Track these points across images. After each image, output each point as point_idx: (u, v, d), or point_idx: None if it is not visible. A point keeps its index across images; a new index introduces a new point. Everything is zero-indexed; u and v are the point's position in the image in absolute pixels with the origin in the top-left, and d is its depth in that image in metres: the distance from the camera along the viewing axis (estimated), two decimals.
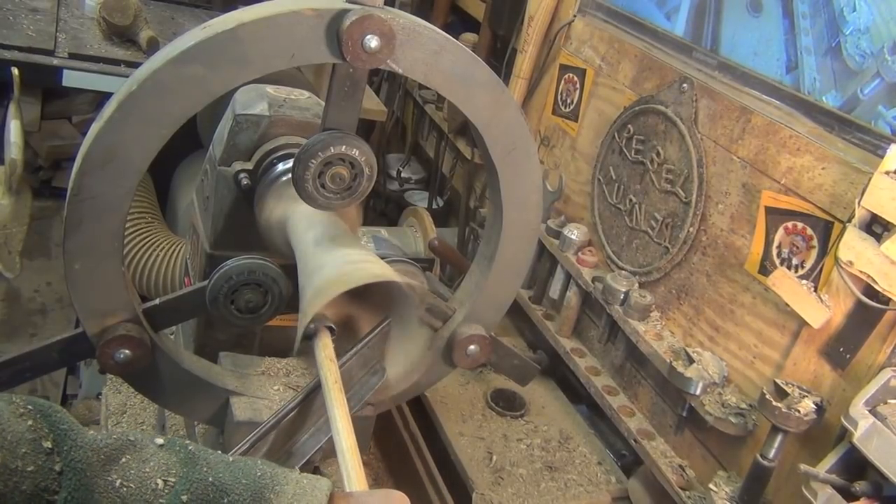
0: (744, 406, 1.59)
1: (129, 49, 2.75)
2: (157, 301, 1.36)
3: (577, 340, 2.09)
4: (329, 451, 1.24)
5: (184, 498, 0.76)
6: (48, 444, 0.75)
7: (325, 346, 1.14)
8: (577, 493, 1.82)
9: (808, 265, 1.50)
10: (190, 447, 0.83)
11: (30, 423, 0.75)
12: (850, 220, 1.34)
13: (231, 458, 0.83)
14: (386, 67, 1.21)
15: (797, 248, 1.52)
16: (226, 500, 0.77)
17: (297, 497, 0.80)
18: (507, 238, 1.45)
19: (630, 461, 1.94)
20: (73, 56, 2.60)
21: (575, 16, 2.25)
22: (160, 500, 0.76)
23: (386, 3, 1.20)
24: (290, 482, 0.82)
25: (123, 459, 0.77)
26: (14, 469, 0.71)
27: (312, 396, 1.23)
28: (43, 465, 0.73)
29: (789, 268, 1.52)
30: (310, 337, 1.16)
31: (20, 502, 0.71)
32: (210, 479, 0.78)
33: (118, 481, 0.76)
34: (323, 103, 1.38)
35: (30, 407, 0.77)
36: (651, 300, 1.83)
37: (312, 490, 0.82)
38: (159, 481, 0.77)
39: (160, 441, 0.82)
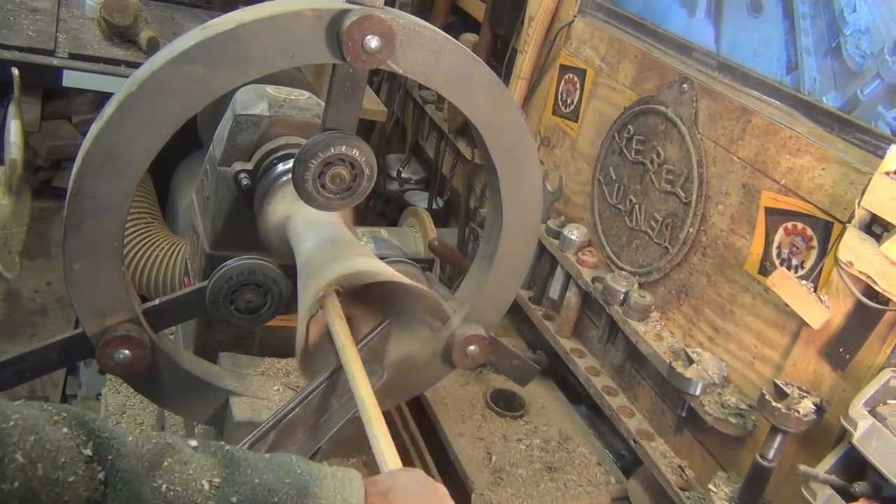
0: (743, 406, 1.59)
1: (129, 49, 2.75)
2: (156, 301, 1.36)
3: (576, 341, 2.09)
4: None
5: (233, 499, 0.77)
6: (88, 452, 0.74)
7: (333, 307, 1.15)
8: (577, 493, 1.82)
9: (807, 266, 1.50)
10: (225, 447, 0.83)
11: (65, 430, 0.74)
12: (849, 221, 1.34)
13: (268, 456, 0.84)
14: (386, 68, 1.21)
15: (797, 248, 1.52)
16: (276, 499, 0.78)
17: (338, 489, 0.82)
18: (507, 238, 1.45)
19: (629, 462, 1.94)
20: (73, 56, 2.60)
21: (575, 16, 2.25)
22: (209, 503, 0.76)
23: (386, 4, 1.20)
24: (327, 476, 0.84)
25: (165, 463, 0.77)
26: (55, 480, 0.70)
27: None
28: (84, 475, 0.72)
29: (789, 268, 1.52)
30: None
31: None
32: (256, 480, 0.79)
33: (164, 486, 0.75)
34: (323, 103, 1.38)
35: (64, 414, 0.75)
36: (651, 300, 1.83)
37: (349, 480, 0.85)
38: (204, 483, 0.77)
39: (193, 443, 0.82)
